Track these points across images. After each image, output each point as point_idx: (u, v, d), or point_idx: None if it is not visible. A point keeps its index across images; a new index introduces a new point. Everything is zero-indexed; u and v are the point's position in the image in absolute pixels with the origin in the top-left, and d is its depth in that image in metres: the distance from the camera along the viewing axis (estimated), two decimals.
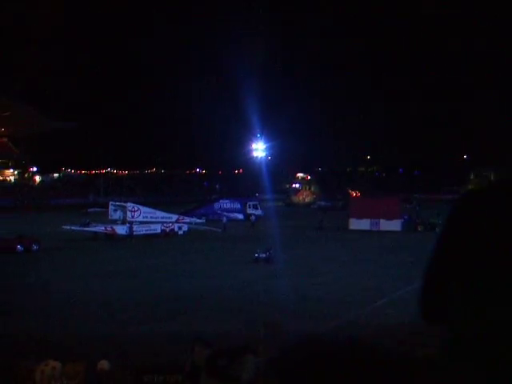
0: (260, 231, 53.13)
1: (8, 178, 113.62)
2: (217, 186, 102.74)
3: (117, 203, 52.75)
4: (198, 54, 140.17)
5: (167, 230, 51.03)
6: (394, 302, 23.18)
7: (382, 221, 54.47)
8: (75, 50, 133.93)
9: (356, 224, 54.84)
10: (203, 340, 4.76)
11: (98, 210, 53.06)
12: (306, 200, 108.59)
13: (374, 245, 44.01)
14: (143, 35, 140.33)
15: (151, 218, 51.38)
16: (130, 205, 51.22)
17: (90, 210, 53.10)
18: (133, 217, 49.77)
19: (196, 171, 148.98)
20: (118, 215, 50.72)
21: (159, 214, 52.74)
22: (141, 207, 51.75)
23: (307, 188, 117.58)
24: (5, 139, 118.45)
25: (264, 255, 35.09)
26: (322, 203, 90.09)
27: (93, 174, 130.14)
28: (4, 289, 26.86)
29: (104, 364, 8.66)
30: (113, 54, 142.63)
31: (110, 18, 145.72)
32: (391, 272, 30.54)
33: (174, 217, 53.74)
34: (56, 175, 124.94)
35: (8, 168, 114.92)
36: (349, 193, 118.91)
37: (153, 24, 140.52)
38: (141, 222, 50.10)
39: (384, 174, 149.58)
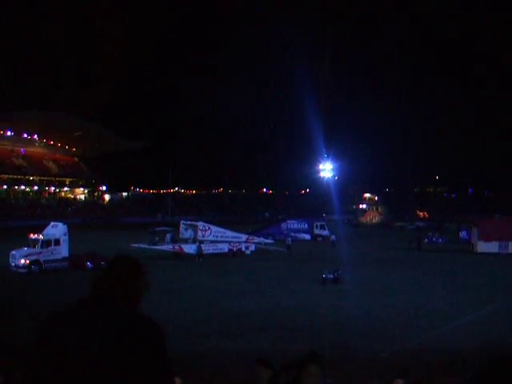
0: (329, 252, 52.28)
1: (78, 197, 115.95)
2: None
3: (188, 222, 52.80)
4: (263, 74, 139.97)
5: (234, 249, 50.69)
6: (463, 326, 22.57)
7: (511, 243, 52.06)
8: (149, 72, 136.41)
9: (483, 246, 52.16)
10: (264, 360, 4.54)
11: (166, 228, 53.00)
12: (374, 221, 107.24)
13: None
14: (212, 60, 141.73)
15: (221, 237, 51.10)
16: (201, 224, 51.11)
17: (157, 228, 53.05)
18: (203, 236, 49.65)
19: (263, 191, 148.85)
20: (188, 234, 50.74)
21: (229, 233, 52.37)
22: (212, 226, 51.55)
23: (375, 209, 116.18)
24: (75, 158, 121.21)
25: (332, 276, 34.38)
26: (420, 224, 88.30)
27: (161, 194, 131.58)
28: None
29: (176, 381, 8.44)
30: (183, 77, 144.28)
31: (178, 40, 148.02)
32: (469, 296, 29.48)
33: (244, 236, 53.39)
34: (125, 194, 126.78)
35: (78, 186, 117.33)
36: (417, 214, 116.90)
37: (216, 50, 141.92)
38: (211, 241, 49.88)
39: (453, 195, 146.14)
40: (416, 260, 47.58)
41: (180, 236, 50.93)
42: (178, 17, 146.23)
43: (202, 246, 48.41)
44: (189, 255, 47.22)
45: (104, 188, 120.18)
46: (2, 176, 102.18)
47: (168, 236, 51.15)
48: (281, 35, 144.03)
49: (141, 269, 3.16)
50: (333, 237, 60.82)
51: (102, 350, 2.54)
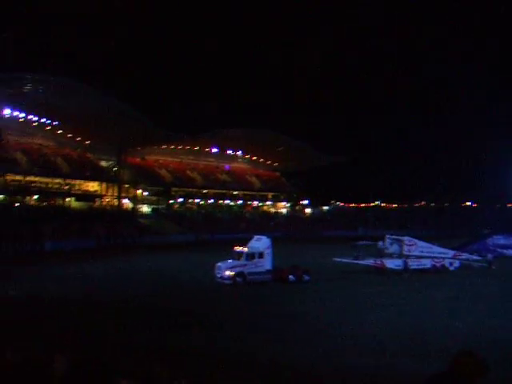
0: None
1: (280, 211, 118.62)
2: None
3: (393, 236, 51.50)
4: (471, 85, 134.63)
5: (437, 265, 48.63)
6: None
7: None
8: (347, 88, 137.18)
9: None
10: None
11: (368, 243, 52.10)
12: None
13: None
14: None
15: (427, 252, 49.37)
16: (407, 238, 49.72)
17: (359, 242, 52.34)
18: (409, 251, 48.29)
19: (466, 204, 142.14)
20: (393, 248, 49.52)
21: (436, 248, 50.47)
22: (417, 241, 50.00)
23: None
24: (277, 173, 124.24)
25: None
26: None
27: (361, 207, 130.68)
28: (274, 316, 27.72)
29: None
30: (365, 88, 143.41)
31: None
32: None
33: (451, 252, 51.15)
34: (325, 208, 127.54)
35: (280, 201, 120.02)
36: None
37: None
38: (417, 257, 48.38)
39: None
40: None
41: (385, 251, 49.85)
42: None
43: (408, 261, 47.20)
44: (390, 270, 46.09)
45: (305, 202, 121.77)
46: (209, 191, 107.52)
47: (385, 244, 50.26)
48: None
49: (483, 366, 4.40)
50: None
51: None
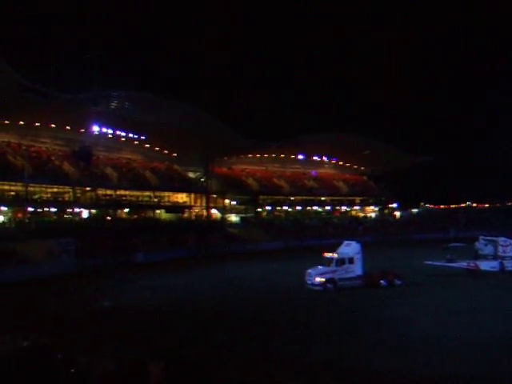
0: None
1: (369, 215, 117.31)
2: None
3: (487, 237, 50.06)
4: None
5: None
6: None
7: None
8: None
9: None
10: None
11: (459, 245, 50.65)
12: None
13: None
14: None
15: None
16: (501, 239, 48.26)
17: (450, 245, 50.94)
18: (505, 252, 46.77)
19: None
20: (488, 250, 48.12)
21: None
22: None
23: None
24: (365, 177, 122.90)
25: None
26: None
27: (452, 208, 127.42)
28: (366, 321, 27.61)
29: None
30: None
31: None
32: None
33: None
34: (415, 210, 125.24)
35: (369, 205, 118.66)
36: None
37: None
38: None
39: None
40: None
41: (479, 252, 48.51)
42: None
43: (504, 262, 45.71)
44: (485, 272, 44.69)
45: (395, 205, 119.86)
46: (297, 198, 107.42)
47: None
48: None
49: None
50: None
51: None
